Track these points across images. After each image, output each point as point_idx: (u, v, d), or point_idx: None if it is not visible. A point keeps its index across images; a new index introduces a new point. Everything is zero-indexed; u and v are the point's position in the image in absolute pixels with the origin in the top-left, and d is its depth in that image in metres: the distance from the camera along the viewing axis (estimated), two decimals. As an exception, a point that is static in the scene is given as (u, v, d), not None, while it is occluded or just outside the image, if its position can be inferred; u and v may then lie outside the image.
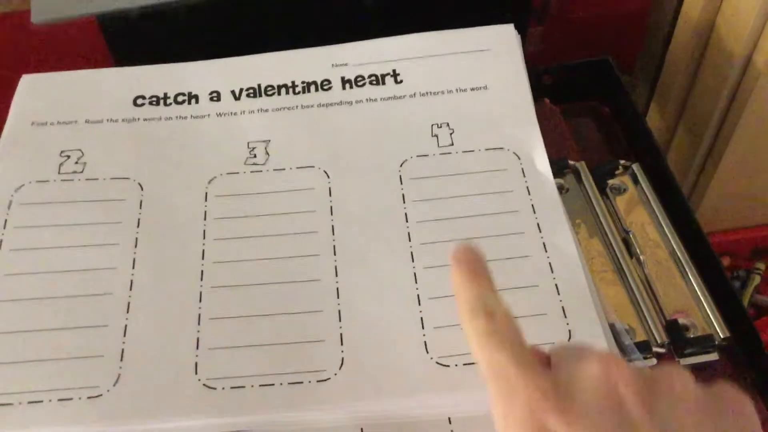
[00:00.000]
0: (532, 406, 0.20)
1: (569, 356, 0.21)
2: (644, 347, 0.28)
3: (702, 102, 0.45)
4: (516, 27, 0.37)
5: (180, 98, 0.35)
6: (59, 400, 0.26)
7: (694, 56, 0.44)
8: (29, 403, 0.26)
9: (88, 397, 0.26)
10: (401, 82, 0.36)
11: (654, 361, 0.28)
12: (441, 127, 0.34)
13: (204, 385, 0.27)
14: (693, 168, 0.48)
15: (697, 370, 0.28)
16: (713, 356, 0.29)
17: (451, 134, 0.34)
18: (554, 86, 0.38)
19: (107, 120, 0.35)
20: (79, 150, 0.33)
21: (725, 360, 0.29)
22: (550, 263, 0.30)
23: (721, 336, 0.29)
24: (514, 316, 0.23)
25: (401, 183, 0.32)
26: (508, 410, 0.21)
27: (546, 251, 0.30)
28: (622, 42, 0.55)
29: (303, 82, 0.36)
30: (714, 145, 0.46)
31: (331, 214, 0.32)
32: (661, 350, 0.28)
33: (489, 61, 0.36)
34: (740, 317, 0.29)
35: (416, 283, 0.30)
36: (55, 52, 0.46)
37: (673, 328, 0.29)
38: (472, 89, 0.35)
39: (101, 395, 0.26)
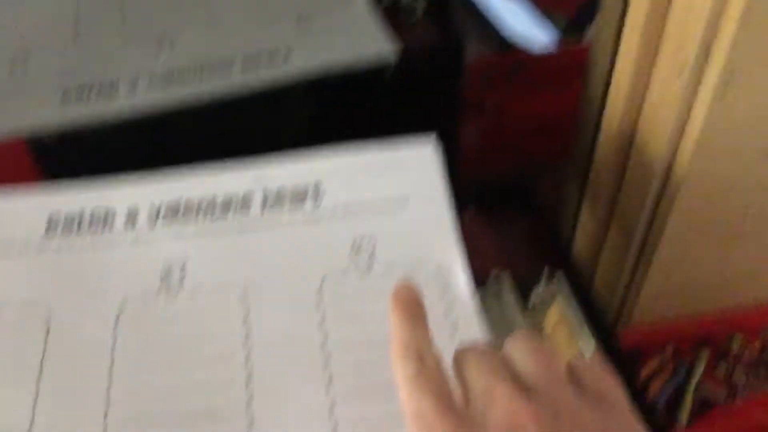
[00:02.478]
0: None
1: (483, 392, 0.23)
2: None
3: (630, 204, 0.46)
4: (446, 127, 0.37)
5: (95, 221, 0.35)
6: None
7: (620, 160, 0.45)
8: None
9: None
10: (321, 199, 0.36)
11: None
12: (363, 244, 0.34)
13: None
14: (628, 263, 0.48)
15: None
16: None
17: (372, 252, 0.34)
18: (480, 198, 0.38)
19: (18, 247, 0.34)
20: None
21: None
22: None
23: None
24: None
25: (318, 307, 0.32)
26: None
27: None
28: (555, 139, 0.56)
29: (223, 202, 0.36)
30: (646, 242, 0.46)
31: (246, 340, 0.31)
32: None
33: (410, 175, 0.36)
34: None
35: (333, 415, 0.29)
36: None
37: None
38: (394, 202, 0.35)
39: None
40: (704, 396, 0.49)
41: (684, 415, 0.47)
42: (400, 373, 0.24)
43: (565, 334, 0.32)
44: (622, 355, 0.31)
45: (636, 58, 0.40)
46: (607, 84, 0.43)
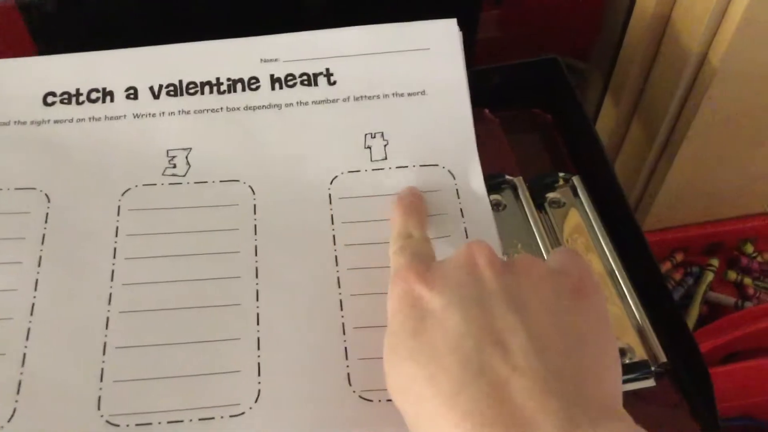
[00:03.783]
0: (409, 281, 0.24)
1: (462, 251, 0.25)
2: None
3: (657, 96, 0.43)
4: (468, 11, 0.34)
5: (94, 95, 0.33)
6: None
7: (650, 48, 0.43)
8: None
9: (-20, 436, 0.24)
10: (334, 83, 0.33)
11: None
12: (375, 137, 0.32)
13: (107, 421, 0.25)
14: (648, 162, 0.46)
15: (632, 397, 0.27)
16: (649, 383, 0.27)
17: (384, 146, 0.32)
18: (498, 87, 0.36)
19: (15, 122, 0.32)
20: (-18, 156, 0.31)
21: (666, 386, 0.28)
22: None
23: (659, 362, 0.27)
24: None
25: (330, 203, 0.30)
26: (391, 290, 0.24)
27: None
28: (579, 28, 0.53)
29: (229, 80, 0.33)
30: (669, 139, 0.44)
31: (255, 233, 0.29)
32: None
33: (428, 63, 0.34)
34: (686, 343, 0.28)
35: (342, 311, 0.28)
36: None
37: (608, 353, 0.27)
38: (410, 94, 0.33)
39: (-4, 431, 0.25)
40: (714, 301, 0.49)
41: (692, 320, 0.47)
42: (390, 251, 0.26)
43: (583, 240, 0.31)
44: (655, 264, 0.29)
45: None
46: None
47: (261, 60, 0.34)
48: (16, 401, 0.25)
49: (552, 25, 0.54)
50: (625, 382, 0.27)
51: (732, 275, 0.50)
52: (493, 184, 0.31)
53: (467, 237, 0.29)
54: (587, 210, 0.32)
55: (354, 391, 0.26)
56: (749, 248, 0.50)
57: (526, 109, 0.36)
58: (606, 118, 0.48)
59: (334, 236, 0.29)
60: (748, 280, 0.49)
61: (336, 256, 0.29)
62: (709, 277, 0.49)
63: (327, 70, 0.34)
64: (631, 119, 0.47)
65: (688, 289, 0.49)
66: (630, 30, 0.44)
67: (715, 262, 0.50)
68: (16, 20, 0.39)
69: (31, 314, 0.27)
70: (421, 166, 0.31)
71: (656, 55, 0.43)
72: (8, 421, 0.25)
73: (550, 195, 0.32)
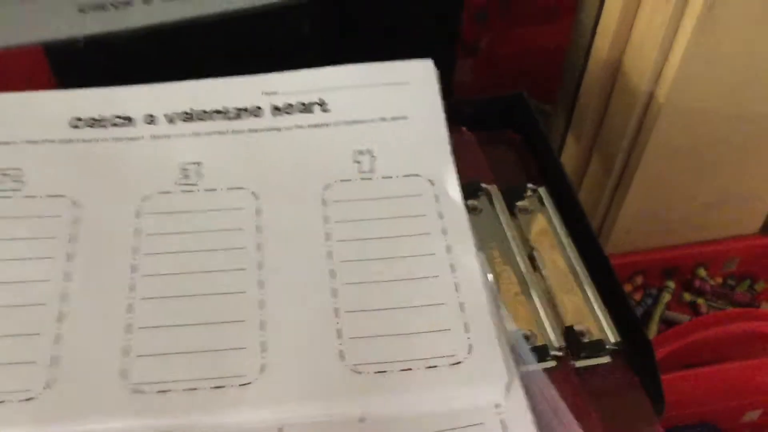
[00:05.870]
0: None
1: None
2: (543, 351, 0.31)
3: (613, 131, 0.49)
4: (444, 59, 0.40)
5: (116, 120, 0.37)
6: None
7: (605, 89, 0.48)
8: (-39, 406, 0.27)
9: (20, 401, 0.28)
10: (328, 111, 0.38)
11: (553, 363, 0.31)
12: (363, 153, 0.37)
13: (132, 389, 0.28)
14: (606, 192, 0.51)
15: (591, 372, 0.31)
16: (605, 359, 0.31)
17: (372, 161, 0.36)
18: (473, 117, 0.41)
19: (45, 141, 0.36)
20: (19, 169, 0.35)
21: (619, 363, 0.32)
22: (455, 283, 0.32)
23: (612, 341, 0.32)
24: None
25: (324, 205, 0.35)
26: None
27: (453, 271, 0.32)
28: (544, 75, 0.59)
29: (235, 108, 0.38)
30: (625, 170, 0.49)
31: (258, 232, 0.34)
32: (559, 353, 0.31)
33: (409, 93, 0.39)
34: (632, 323, 0.32)
35: (335, 297, 0.32)
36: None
37: (569, 335, 0.32)
38: (393, 119, 0.38)
39: (33, 398, 0.28)
40: (670, 319, 0.53)
41: (651, 336, 0.51)
42: None
43: (548, 241, 0.35)
44: (607, 261, 0.34)
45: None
46: (597, 18, 0.46)
47: (263, 93, 0.39)
48: (51, 373, 0.29)
49: (520, 73, 0.60)
50: (585, 358, 0.32)
51: (687, 296, 0.54)
52: (471, 191, 0.36)
53: (444, 235, 0.34)
54: (552, 216, 0.36)
55: (346, 365, 0.30)
56: (702, 272, 0.55)
57: (499, 130, 0.41)
58: (568, 153, 0.53)
59: (327, 233, 0.34)
60: (701, 300, 0.54)
61: (330, 251, 0.33)
62: (666, 297, 0.53)
63: (321, 99, 0.39)
64: (591, 154, 0.52)
65: (647, 309, 0.53)
66: (587, 74, 0.49)
67: (672, 284, 0.54)
68: (41, 60, 0.44)
69: (63, 301, 0.31)
70: (404, 176, 0.36)
71: (611, 94, 0.48)
72: (45, 389, 0.28)
73: (520, 203, 0.37)
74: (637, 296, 0.54)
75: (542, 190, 0.37)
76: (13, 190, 0.34)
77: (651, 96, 0.44)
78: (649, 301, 0.53)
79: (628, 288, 0.54)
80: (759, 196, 0.53)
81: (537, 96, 0.58)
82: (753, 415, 0.53)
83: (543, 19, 0.64)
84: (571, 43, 0.51)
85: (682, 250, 0.54)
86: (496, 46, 0.67)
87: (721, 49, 0.41)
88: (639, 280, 0.55)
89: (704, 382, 0.47)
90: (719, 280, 0.56)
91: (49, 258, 0.32)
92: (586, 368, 0.31)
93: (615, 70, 0.47)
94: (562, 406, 0.29)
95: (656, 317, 0.53)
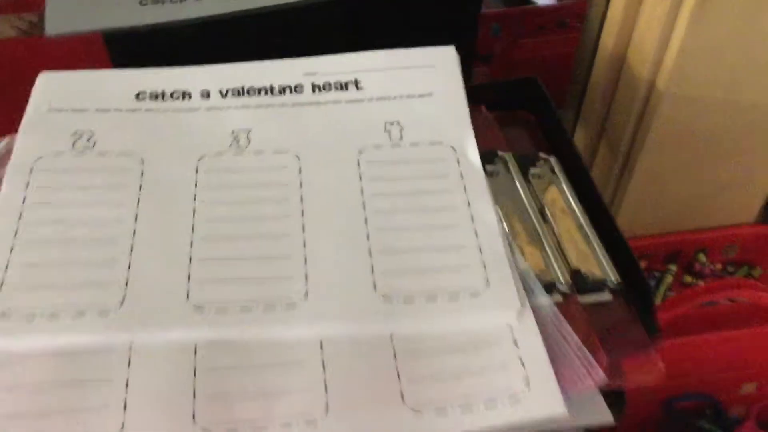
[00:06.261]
0: None
1: None
2: (551, 287, 0.35)
3: (617, 122, 0.53)
4: (463, 63, 0.45)
5: (175, 95, 0.42)
6: (75, 313, 0.32)
7: (611, 83, 0.53)
8: (50, 315, 0.32)
9: (98, 313, 0.32)
10: (362, 89, 0.43)
11: (560, 298, 0.35)
12: (393, 125, 0.41)
13: (194, 307, 0.33)
14: (612, 180, 0.56)
15: (594, 308, 0.36)
16: (606, 296, 0.36)
17: (401, 131, 0.41)
18: (491, 98, 0.45)
19: (114, 109, 0.41)
20: (91, 131, 0.40)
21: (619, 300, 0.36)
22: (475, 230, 0.37)
23: (613, 280, 0.36)
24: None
25: (359, 166, 0.39)
26: None
27: (473, 221, 0.37)
28: (555, 78, 0.63)
29: (280, 86, 0.43)
30: (628, 159, 0.54)
31: (300, 187, 0.38)
32: (566, 290, 0.35)
33: (434, 74, 0.44)
34: (630, 266, 0.36)
35: (368, 240, 0.36)
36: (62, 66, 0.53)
37: (575, 275, 0.36)
38: (420, 95, 0.43)
39: (109, 312, 0.32)
40: (672, 300, 0.57)
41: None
42: None
43: (557, 200, 0.40)
44: (610, 216, 0.38)
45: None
46: (603, 17, 0.51)
47: (304, 74, 0.44)
48: (125, 293, 0.33)
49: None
50: (588, 293, 0.36)
51: (688, 279, 0.58)
52: (488, 157, 0.41)
53: (465, 192, 0.38)
54: (561, 180, 0.41)
55: (377, 294, 0.34)
56: (702, 258, 0.59)
57: (515, 110, 0.45)
58: (578, 145, 0.58)
59: (361, 188, 0.38)
60: (701, 283, 0.58)
61: (364, 202, 0.38)
62: (669, 279, 0.57)
63: (355, 79, 0.44)
64: (598, 145, 0.57)
65: (651, 290, 0.57)
66: (594, 69, 0.54)
67: (674, 267, 0.58)
68: (100, 48, 0.49)
69: (133, 236, 0.35)
70: (429, 143, 0.40)
71: (616, 87, 0.53)
72: (119, 306, 0.33)
73: (533, 170, 0.41)
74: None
75: (553, 159, 0.42)
76: (87, 148, 0.39)
77: (652, 87, 0.49)
78: (653, 282, 0.57)
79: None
80: (756, 185, 0.57)
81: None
82: (749, 387, 0.56)
83: (550, 30, 0.70)
84: (579, 43, 0.56)
85: (683, 236, 0.58)
86: (508, 54, 0.72)
87: (715, 41, 0.45)
88: (643, 264, 0.59)
89: (702, 350, 0.50)
90: (719, 266, 0.60)
91: (120, 203, 0.37)
92: (590, 305, 0.35)
93: (620, 64, 0.51)
94: (568, 328, 0.33)
95: (659, 297, 0.56)
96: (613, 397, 0.38)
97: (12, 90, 0.42)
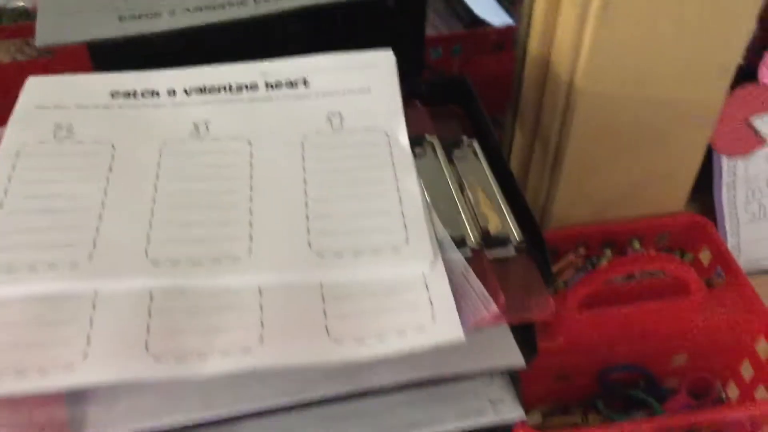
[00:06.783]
0: None
1: None
2: (462, 243, 0.40)
3: (546, 121, 0.59)
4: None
5: (145, 94, 0.48)
6: (49, 266, 0.38)
7: (539, 84, 0.59)
8: (28, 268, 0.38)
9: (69, 265, 0.38)
10: (309, 86, 0.49)
11: (469, 253, 0.40)
12: (335, 115, 0.48)
13: (151, 261, 0.39)
14: (546, 175, 0.61)
15: (499, 261, 0.41)
16: (510, 252, 0.41)
17: (341, 120, 0.47)
18: (425, 95, 0.52)
19: (91, 106, 0.47)
20: (70, 124, 0.46)
21: (522, 257, 0.41)
22: (400, 198, 0.42)
23: (517, 238, 0.41)
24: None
25: (303, 148, 0.45)
26: None
27: (398, 191, 0.43)
28: (501, 93, 0.69)
29: (237, 84, 0.49)
30: (557, 154, 0.60)
31: (251, 167, 0.44)
32: (475, 246, 0.41)
33: (373, 73, 0.50)
34: (533, 228, 0.42)
35: (306, 208, 0.42)
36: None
37: (484, 234, 0.41)
38: (360, 91, 0.49)
39: (78, 265, 0.38)
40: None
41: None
42: None
43: (475, 176, 0.45)
44: (519, 190, 0.44)
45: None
46: (527, 37, 0.57)
47: (260, 73, 0.50)
48: (92, 251, 0.39)
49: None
50: (495, 249, 0.41)
51: (623, 263, 0.63)
52: (417, 141, 0.46)
53: (394, 169, 0.44)
54: (481, 160, 0.46)
55: (312, 251, 0.40)
56: (636, 244, 0.64)
57: (446, 104, 0.52)
58: (517, 146, 0.64)
59: (304, 167, 0.44)
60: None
61: (305, 178, 0.43)
62: (603, 261, 0.62)
63: (304, 78, 0.50)
64: (534, 143, 0.62)
65: (586, 274, 0.62)
66: (525, 75, 0.60)
67: (609, 252, 0.63)
68: (83, 56, 0.55)
69: (102, 207, 0.41)
70: (365, 129, 0.46)
71: (544, 88, 0.59)
72: (87, 260, 0.38)
73: (456, 152, 0.47)
74: (580, 262, 0.63)
75: (475, 143, 0.48)
76: (66, 137, 0.45)
77: (571, 85, 0.55)
78: (589, 266, 0.63)
79: (571, 257, 0.63)
80: (679, 176, 0.62)
81: (495, 110, 0.69)
82: (680, 359, 0.61)
83: (506, 47, 0.77)
84: (515, 53, 0.62)
85: (617, 224, 0.64)
86: (464, 71, 0.79)
87: (620, 41, 0.51)
88: (582, 250, 0.64)
89: (629, 321, 0.55)
90: (653, 252, 0.65)
91: (92, 180, 0.43)
92: (496, 260, 0.41)
93: (545, 68, 0.57)
94: (473, 275, 0.38)
95: (595, 281, 0.62)
96: (525, 345, 0.43)
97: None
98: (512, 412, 0.48)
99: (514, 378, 0.48)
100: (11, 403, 0.35)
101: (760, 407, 0.55)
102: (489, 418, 0.47)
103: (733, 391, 0.62)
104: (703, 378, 0.61)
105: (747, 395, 0.60)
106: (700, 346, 0.60)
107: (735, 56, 0.54)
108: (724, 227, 0.69)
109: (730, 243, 0.69)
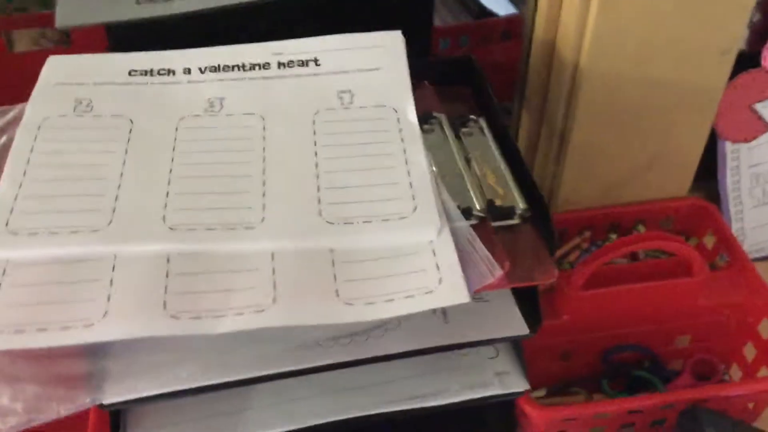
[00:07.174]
0: None
1: None
2: (468, 212, 0.42)
3: (552, 104, 0.60)
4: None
5: (161, 72, 0.50)
6: (70, 231, 0.39)
7: (545, 67, 0.60)
8: (50, 233, 0.39)
9: (90, 231, 0.39)
10: (319, 65, 0.51)
11: (475, 221, 0.41)
12: (345, 93, 0.49)
13: (168, 227, 0.40)
14: (552, 158, 0.63)
15: (505, 230, 0.42)
16: (515, 221, 0.42)
17: (351, 97, 0.49)
18: (435, 75, 0.53)
19: (110, 83, 0.49)
20: (89, 99, 0.47)
21: (527, 225, 0.43)
22: (408, 170, 0.44)
23: (521, 207, 0.42)
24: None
25: (314, 124, 0.47)
26: None
27: (407, 164, 0.44)
28: (508, 80, 0.70)
29: (251, 63, 0.51)
30: (563, 137, 0.61)
31: (264, 140, 0.46)
32: (481, 215, 0.42)
33: (382, 53, 0.51)
34: (538, 199, 0.43)
35: (318, 180, 0.43)
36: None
37: (490, 204, 0.43)
38: (369, 69, 0.50)
39: (99, 230, 0.39)
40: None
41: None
42: None
43: (482, 151, 0.47)
44: (524, 163, 0.45)
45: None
46: (534, 19, 0.58)
47: (272, 53, 0.52)
48: (112, 218, 0.40)
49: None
50: (501, 220, 0.42)
51: (628, 246, 0.64)
52: (426, 118, 0.48)
53: (402, 142, 0.45)
54: (487, 136, 0.48)
55: (322, 219, 0.41)
56: (641, 228, 0.65)
57: (455, 85, 0.53)
58: (524, 129, 0.65)
59: (315, 141, 0.45)
60: (639, 252, 0.64)
61: (316, 151, 0.45)
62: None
63: (315, 58, 0.51)
64: (540, 128, 0.64)
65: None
66: (531, 58, 0.61)
67: (614, 236, 0.64)
68: (99, 46, 0.57)
69: (121, 177, 0.43)
70: (374, 106, 0.48)
71: (550, 72, 0.60)
72: (107, 225, 0.40)
73: (464, 129, 0.48)
74: (585, 244, 0.64)
75: (482, 120, 0.49)
76: (86, 111, 0.47)
77: (576, 68, 0.56)
78: (594, 249, 0.64)
79: (576, 239, 0.64)
80: (683, 160, 0.63)
81: (503, 97, 0.70)
82: (684, 341, 0.62)
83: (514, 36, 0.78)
84: (521, 40, 0.63)
85: (623, 208, 0.65)
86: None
87: (623, 23, 0.52)
88: (588, 234, 0.65)
89: (630, 300, 0.56)
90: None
91: (111, 151, 0.44)
92: (501, 228, 0.42)
93: (550, 52, 0.59)
94: (478, 242, 0.40)
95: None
96: (530, 315, 0.44)
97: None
98: (517, 385, 0.49)
99: (519, 352, 0.49)
100: (33, 357, 0.36)
101: (760, 383, 0.56)
102: (495, 390, 0.49)
103: (736, 373, 0.63)
104: (706, 360, 0.62)
105: (750, 377, 0.61)
106: (704, 328, 0.61)
107: (735, 40, 0.55)
108: (729, 212, 0.69)
109: (735, 228, 0.70)
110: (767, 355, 0.59)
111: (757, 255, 0.71)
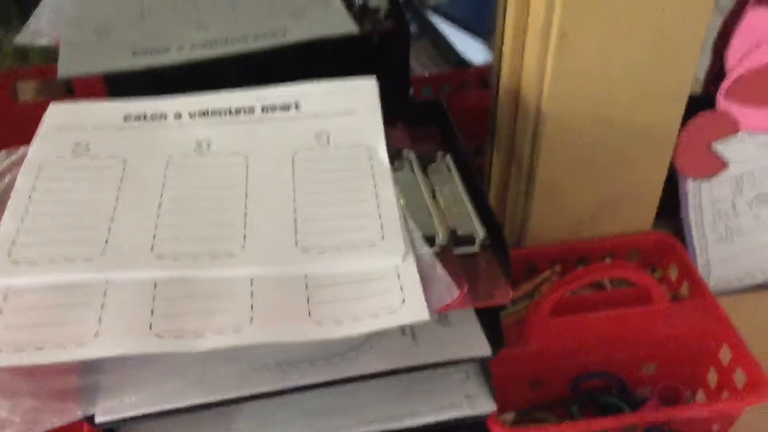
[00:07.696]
0: None
1: None
2: (432, 240, 0.46)
3: (519, 144, 0.65)
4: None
5: (154, 117, 0.54)
6: (67, 260, 0.43)
7: (512, 111, 0.64)
8: (49, 261, 0.43)
9: (84, 260, 0.43)
10: (299, 109, 0.55)
11: (438, 249, 0.45)
12: (322, 134, 0.53)
13: (156, 256, 0.44)
14: (521, 196, 0.67)
15: (466, 257, 0.46)
16: (475, 249, 0.46)
17: (328, 138, 0.53)
18: (406, 116, 0.57)
19: (106, 127, 0.53)
20: (87, 142, 0.52)
21: (486, 253, 0.46)
22: (378, 203, 0.48)
23: (481, 236, 0.46)
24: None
25: (293, 162, 0.51)
26: None
27: (377, 198, 0.48)
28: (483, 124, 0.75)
29: (237, 108, 0.55)
30: (530, 175, 0.65)
31: (246, 177, 0.50)
32: (443, 242, 0.46)
33: (358, 98, 0.56)
34: (497, 229, 0.47)
35: (295, 213, 0.47)
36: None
37: (452, 233, 0.47)
38: (345, 113, 0.55)
39: (93, 259, 0.43)
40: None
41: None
42: None
43: (448, 186, 0.51)
44: (495, 218, 0.49)
45: (513, 32, 0.60)
46: (500, 71, 0.63)
47: (256, 98, 0.56)
48: (104, 248, 0.44)
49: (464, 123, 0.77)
50: (461, 247, 0.46)
51: (595, 279, 0.68)
52: (396, 155, 0.52)
53: (374, 179, 0.49)
54: (453, 172, 0.52)
55: (298, 248, 0.45)
56: (609, 261, 0.69)
57: (425, 126, 0.57)
58: (495, 171, 0.69)
59: (293, 177, 0.49)
60: (606, 281, 0.67)
61: (294, 187, 0.49)
62: (578, 278, 0.67)
63: (296, 102, 0.56)
64: (510, 167, 0.68)
65: (561, 285, 0.67)
66: (499, 103, 0.66)
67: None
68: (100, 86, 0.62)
69: (113, 210, 0.47)
70: (349, 146, 0.52)
71: (516, 115, 0.64)
72: (100, 255, 0.44)
73: (432, 165, 0.53)
74: (556, 278, 0.68)
75: (449, 158, 0.53)
76: (83, 153, 0.51)
77: (538, 110, 0.60)
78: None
79: (547, 273, 0.68)
80: (644, 196, 0.67)
81: (479, 140, 0.75)
82: (650, 368, 0.65)
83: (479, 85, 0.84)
84: (491, 86, 0.68)
85: (590, 243, 0.69)
86: (450, 105, 0.85)
87: (578, 68, 0.57)
88: (558, 267, 0.69)
89: (597, 328, 0.60)
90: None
91: (105, 189, 0.48)
92: (463, 255, 0.46)
93: (516, 94, 0.63)
94: (439, 266, 0.43)
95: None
96: (493, 338, 0.48)
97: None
98: (486, 406, 0.52)
99: (487, 375, 0.53)
100: (31, 373, 0.40)
101: (721, 404, 0.58)
102: (464, 412, 0.52)
103: (701, 399, 0.66)
104: (672, 386, 0.65)
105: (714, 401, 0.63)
106: (668, 355, 0.64)
107: (686, 83, 0.59)
108: (694, 247, 0.73)
109: (701, 261, 0.73)
110: (728, 379, 0.62)
111: (724, 289, 0.74)
